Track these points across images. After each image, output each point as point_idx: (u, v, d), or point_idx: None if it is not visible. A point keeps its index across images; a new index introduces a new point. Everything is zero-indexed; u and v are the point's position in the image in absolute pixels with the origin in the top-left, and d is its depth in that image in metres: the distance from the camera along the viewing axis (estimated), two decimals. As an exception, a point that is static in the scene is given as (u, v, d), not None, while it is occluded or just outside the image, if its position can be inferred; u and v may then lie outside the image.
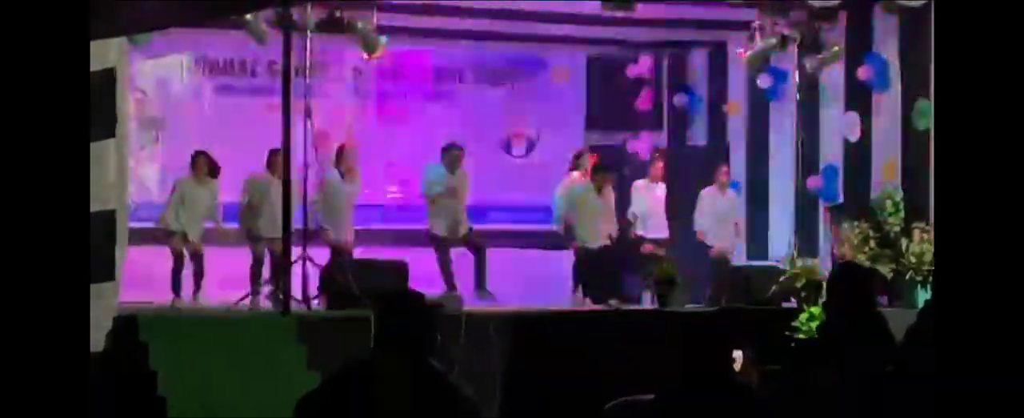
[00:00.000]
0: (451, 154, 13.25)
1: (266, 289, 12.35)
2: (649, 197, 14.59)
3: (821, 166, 14.42)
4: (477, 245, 13.25)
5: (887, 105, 13.50)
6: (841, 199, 14.02)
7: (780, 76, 14.65)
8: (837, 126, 14.18)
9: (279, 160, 12.19)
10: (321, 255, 12.61)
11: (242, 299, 12.34)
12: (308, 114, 11.92)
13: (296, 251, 11.60)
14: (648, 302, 13.67)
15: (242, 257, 12.79)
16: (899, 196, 13.05)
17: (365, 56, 13.82)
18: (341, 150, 13.26)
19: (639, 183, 14.76)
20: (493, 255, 13.92)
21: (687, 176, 15.25)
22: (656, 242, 14.45)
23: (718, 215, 14.51)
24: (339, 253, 12.82)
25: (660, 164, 14.91)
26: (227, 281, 12.85)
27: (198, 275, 12.62)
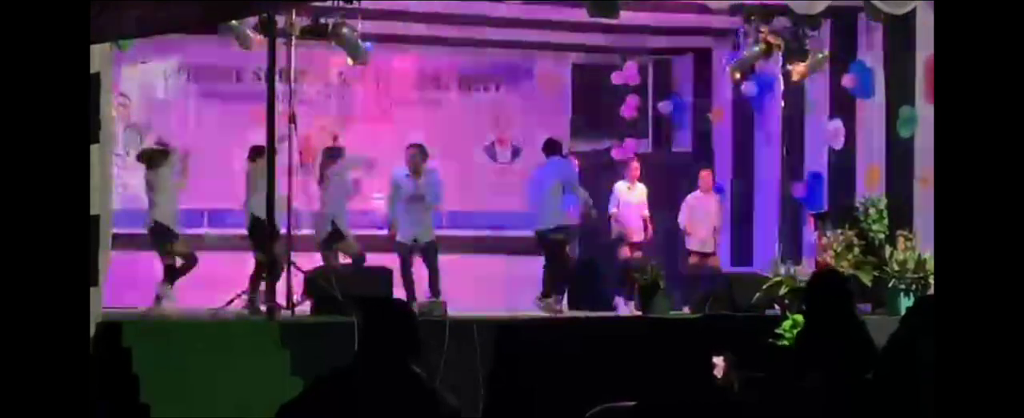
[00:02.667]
0: (410, 155, 13.20)
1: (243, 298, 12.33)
2: (630, 199, 14.60)
3: (805, 173, 14.45)
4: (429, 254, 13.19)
5: (871, 113, 13.53)
6: (825, 206, 14.04)
7: (765, 83, 14.68)
8: (821, 134, 14.21)
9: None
10: (305, 260, 12.59)
11: (230, 302, 12.32)
12: (292, 120, 11.91)
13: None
14: (623, 308, 13.66)
15: (222, 261, 12.75)
16: (883, 204, 13.09)
17: (350, 63, 13.81)
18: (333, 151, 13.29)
19: (619, 185, 14.77)
20: (478, 261, 13.93)
21: (671, 183, 15.27)
22: (635, 245, 14.46)
23: (704, 218, 14.60)
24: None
25: (635, 165, 14.90)
26: (209, 285, 12.78)
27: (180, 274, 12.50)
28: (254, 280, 12.43)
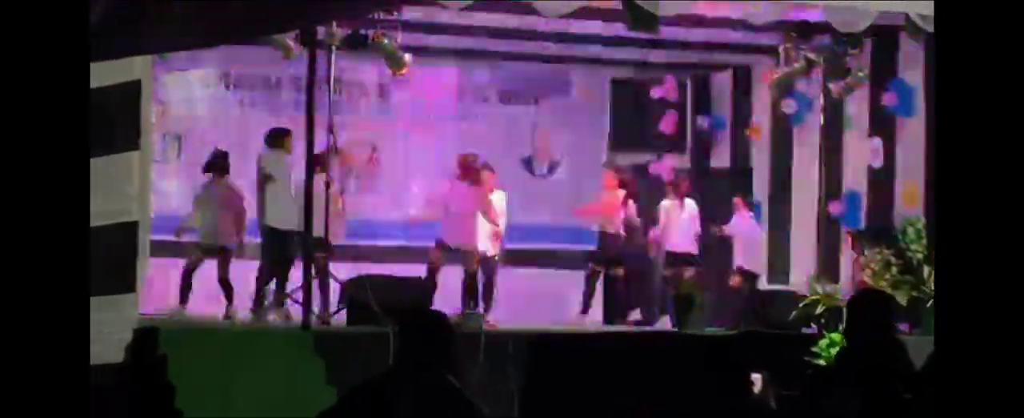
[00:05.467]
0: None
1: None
2: (675, 216, 14.54)
3: (844, 191, 14.39)
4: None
5: (911, 131, 13.46)
6: (863, 225, 13.97)
7: (804, 101, 14.63)
8: (861, 152, 14.14)
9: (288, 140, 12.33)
10: (341, 270, 12.64)
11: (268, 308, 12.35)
12: (331, 130, 11.96)
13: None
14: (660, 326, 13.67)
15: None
16: (921, 223, 13.00)
17: (390, 74, 13.85)
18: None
19: (665, 203, 14.72)
20: (514, 274, 13.92)
21: (709, 199, 15.23)
22: (683, 259, 14.40)
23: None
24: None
25: (685, 182, 14.90)
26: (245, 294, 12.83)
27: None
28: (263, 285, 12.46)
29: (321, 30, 11.96)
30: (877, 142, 13.82)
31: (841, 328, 11.13)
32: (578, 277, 14.37)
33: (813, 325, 12.44)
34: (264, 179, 12.49)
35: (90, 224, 4.47)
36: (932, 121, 13.10)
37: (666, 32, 12.47)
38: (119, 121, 9.78)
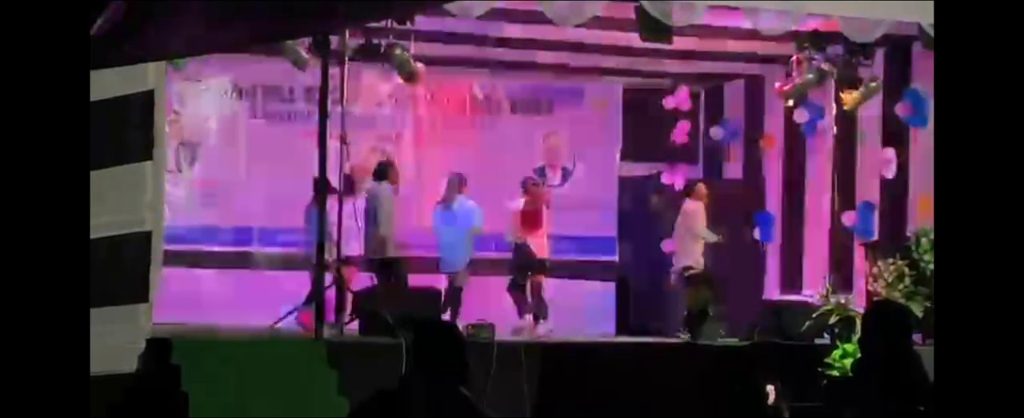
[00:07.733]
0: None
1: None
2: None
3: (857, 202, 14.36)
4: None
5: (924, 142, 13.44)
6: (876, 236, 13.94)
7: (817, 111, 14.61)
8: (874, 162, 14.12)
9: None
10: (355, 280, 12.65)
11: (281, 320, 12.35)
12: (343, 140, 11.98)
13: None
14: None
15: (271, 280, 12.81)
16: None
17: (402, 83, 13.86)
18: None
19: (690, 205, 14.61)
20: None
21: (722, 209, 15.19)
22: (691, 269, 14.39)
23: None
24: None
25: (701, 187, 14.82)
26: (259, 303, 12.83)
27: None
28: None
29: (334, 40, 11.98)
30: (890, 152, 13.79)
31: (855, 339, 11.15)
32: (589, 286, 14.37)
33: (826, 336, 12.42)
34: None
35: (104, 234, 4.48)
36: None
37: (678, 42, 12.48)
38: (133, 131, 9.81)
